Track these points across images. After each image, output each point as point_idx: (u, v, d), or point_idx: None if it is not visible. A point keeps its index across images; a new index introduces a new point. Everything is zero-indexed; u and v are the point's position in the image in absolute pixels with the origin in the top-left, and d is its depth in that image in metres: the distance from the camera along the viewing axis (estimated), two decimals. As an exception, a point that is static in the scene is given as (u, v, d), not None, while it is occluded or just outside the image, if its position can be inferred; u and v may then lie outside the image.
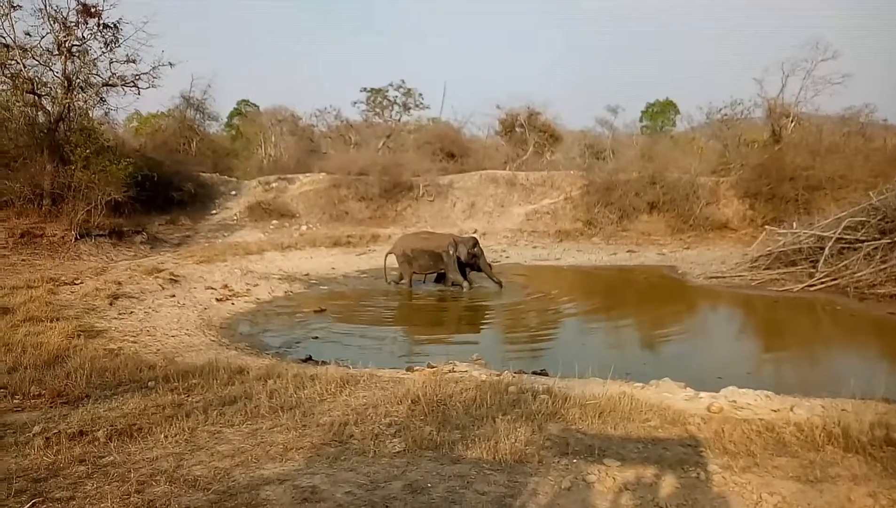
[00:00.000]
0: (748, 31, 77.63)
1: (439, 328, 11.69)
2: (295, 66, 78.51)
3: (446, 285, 14.44)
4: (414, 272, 14.72)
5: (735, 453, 4.03)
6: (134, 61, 17.53)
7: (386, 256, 15.11)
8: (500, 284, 14.27)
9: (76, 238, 15.05)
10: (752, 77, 34.73)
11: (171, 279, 13.22)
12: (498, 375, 6.35)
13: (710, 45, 78.42)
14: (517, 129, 33.25)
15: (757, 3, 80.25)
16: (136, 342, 8.66)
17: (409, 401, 4.99)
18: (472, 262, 14.21)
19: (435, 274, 14.83)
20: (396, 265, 14.85)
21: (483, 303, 13.25)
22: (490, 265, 14.74)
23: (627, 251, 20.38)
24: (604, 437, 4.32)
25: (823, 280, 12.99)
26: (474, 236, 14.98)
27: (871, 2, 71.66)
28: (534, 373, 6.97)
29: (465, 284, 14.18)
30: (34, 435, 4.24)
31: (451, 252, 14.04)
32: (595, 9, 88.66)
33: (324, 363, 7.53)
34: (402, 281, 14.82)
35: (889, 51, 60.21)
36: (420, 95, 35.57)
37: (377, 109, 36.14)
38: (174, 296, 12.18)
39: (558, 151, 34.58)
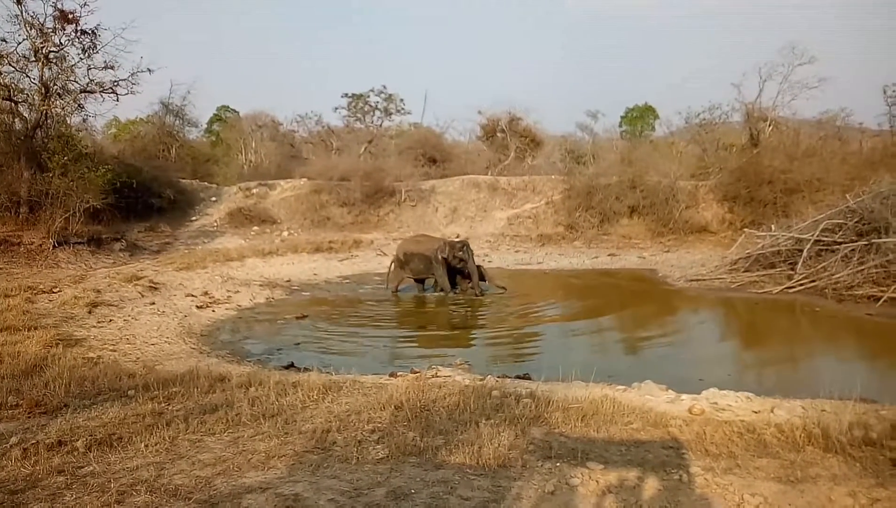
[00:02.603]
0: (726, 36, 78.42)
1: (423, 332, 11.66)
2: (275, 71, 78.38)
3: (443, 291, 14.25)
4: (408, 277, 14.62)
5: (717, 454, 4.06)
6: (112, 67, 17.38)
7: (391, 262, 15.06)
8: (503, 288, 14.23)
9: (54, 246, 14.88)
10: (730, 82, 35.06)
11: (150, 287, 13.10)
12: (481, 379, 6.35)
13: (688, 51, 79.19)
14: (498, 134, 33.39)
15: (734, 10, 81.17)
16: (115, 351, 8.57)
17: (393, 407, 4.99)
18: (460, 266, 14.09)
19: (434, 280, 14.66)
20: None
21: (467, 307, 13.23)
22: (480, 269, 14.55)
23: (608, 255, 20.45)
24: (587, 440, 4.34)
25: (802, 282, 13.11)
26: (464, 239, 14.87)
27: (847, 6, 72.88)
28: (517, 377, 6.97)
29: (454, 290, 14.13)
30: (11, 446, 4.19)
31: (438, 256, 13.96)
32: (575, 15, 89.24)
33: (306, 369, 7.48)
34: (396, 286, 14.67)
35: (864, 55, 61.20)
36: (401, 100, 35.67)
37: (358, 115, 36.16)
38: (154, 304, 12.06)
39: (539, 155, 34.70)
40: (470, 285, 14.14)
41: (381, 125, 35.95)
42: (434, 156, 32.18)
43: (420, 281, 14.82)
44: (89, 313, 10.68)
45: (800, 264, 13.48)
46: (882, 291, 11.60)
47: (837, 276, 12.61)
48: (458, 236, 15.17)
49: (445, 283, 14.09)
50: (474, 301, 13.56)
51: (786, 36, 73.78)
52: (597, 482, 3.68)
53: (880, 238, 12.58)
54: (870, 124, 29.40)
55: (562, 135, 37.95)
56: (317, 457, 4.05)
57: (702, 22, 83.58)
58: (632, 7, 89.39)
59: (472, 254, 14.23)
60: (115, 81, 17.63)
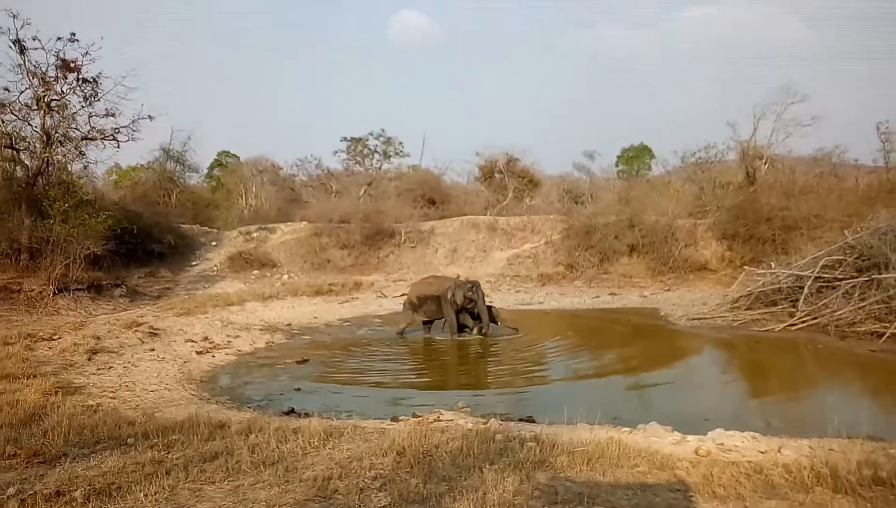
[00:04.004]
0: (721, 76, 79.57)
1: (425, 376, 11.59)
2: (276, 116, 79.13)
3: (451, 332, 14.10)
4: (424, 320, 14.52)
5: (724, 497, 4.00)
6: (113, 115, 17.58)
7: (403, 305, 15.00)
8: (515, 330, 14.20)
9: (54, 293, 14.87)
10: (725, 121, 35.47)
11: (150, 333, 13.05)
12: (484, 423, 6.28)
13: (683, 90, 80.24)
14: (496, 175, 33.65)
15: (728, 49, 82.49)
16: (115, 398, 8.51)
17: (395, 453, 4.92)
18: (469, 307, 14.04)
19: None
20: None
21: (469, 349, 13.18)
22: (492, 310, 14.49)
23: (609, 294, 20.44)
24: (593, 484, 4.28)
25: (804, 319, 13.08)
26: (475, 280, 14.84)
27: (839, 46, 74.09)
28: (521, 420, 6.91)
29: (467, 331, 14.07)
30: (8, 497, 4.13)
31: (448, 297, 13.90)
32: (572, 56, 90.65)
33: (307, 414, 7.41)
34: (404, 328, 14.55)
35: (856, 92, 61.99)
36: (400, 143, 36.07)
37: (358, 158, 36.50)
38: (154, 350, 12.00)
39: (537, 196, 34.99)
40: (480, 325, 14.09)
41: (380, 168, 36.30)
42: (433, 197, 32.39)
43: (428, 323, 14.68)
44: (89, 360, 10.63)
45: (801, 301, 13.46)
46: (885, 327, 11.59)
47: (839, 312, 12.60)
48: (458, 277, 15.13)
49: (454, 324, 14.02)
50: (480, 343, 13.50)
51: (780, 78, 75.00)
52: (603, 526, 3.62)
53: (880, 274, 12.59)
54: (865, 161, 29.68)
55: (559, 175, 38.47)
56: (318, 506, 3.99)
57: (697, 65, 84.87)
58: (628, 49, 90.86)
59: (483, 295, 14.24)
60: (116, 129, 17.83)
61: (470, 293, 13.88)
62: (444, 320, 14.30)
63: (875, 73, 68.60)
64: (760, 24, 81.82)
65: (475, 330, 14.09)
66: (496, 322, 14.34)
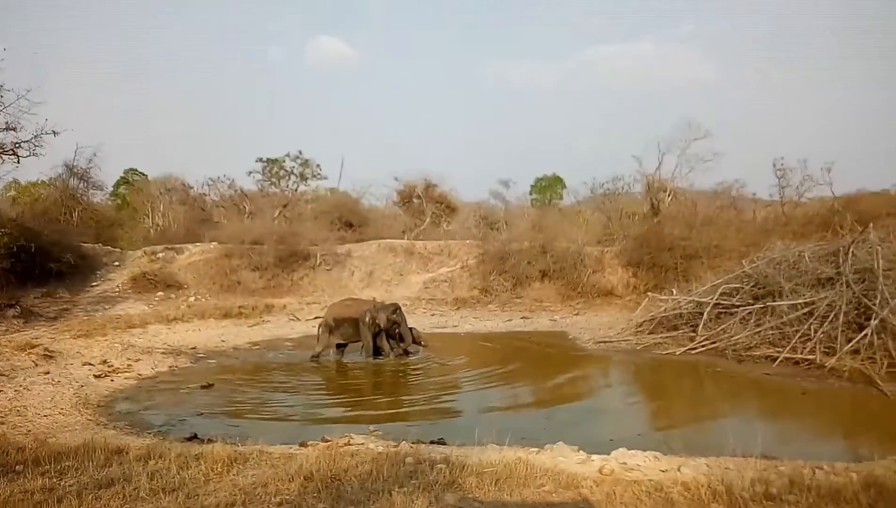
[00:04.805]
0: (631, 112, 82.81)
1: (336, 400, 11.41)
2: (187, 135, 76.81)
3: (367, 355, 14.02)
4: (338, 343, 14.28)
5: (626, 514, 4.11)
6: (14, 129, 16.68)
7: (318, 327, 14.70)
8: (424, 345, 14.39)
9: (-60, 312, 13.94)
10: (632, 154, 36.95)
11: (45, 355, 12.39)
12: (395, 446, 6.25)
13: (595, 124, 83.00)
14: (415, 200, 33.85)
15: (635, 88, 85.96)
16: (3, 423, 8.06)
17: (302, 478, 4.83)
18: (392, 329, 14.00)
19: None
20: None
21: (383, 372, 13.12)
22: (414, 331, 14.55)
23: (522, 317, 20.81)
24: (500, 504, 4.33)
25: (704, 343, 13.65)
26: (395, 303, 14.81)
27: (741, 87, 78.57)
28: (432, 442, 6.90)
29: (388, 352, 14.00)
30: None
31: (366, 320, 13.77)
32: (491, 86, 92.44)
33: (210, 440, 7.16)
34: (319, 352, 14.23)
35: (755, 130, 65.74)
36: (318, 165, 35.51)
37: (273, 179, 35.75)
38: (48, 373, 11.40)
39: (454, 221, 35.38)
40: (403, 345, 14.17)
41: (296, 190, 35.70)
42: (350, 220, 32.28)
43: (341, 346, 14.47)
44: (-24, 383, 10.00)
45: (701, 326, 14.07)
46: (778, 351, 12.21)
47: (736, 337, 13.22)
48: (374, 299, 15.06)
49: (370, 347, 13.92)
50: (393, 365, 13.47)
51: (684, 112, 78.70)
52: (509, 546, 3.66)
53: (774, 301, 13.31)
54: (762, 195, 31.54)
55: (476, 201, 38.96)
56: (220, 532, 3.87)
57: (606, 99, 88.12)
58: (540, 82, 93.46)
59: (405, 317, 14.30)
60: (17, 143, 16.91)
61: (394, 316, 13.95)
62: (359, 343, 14.17)
63: (774, 111, 73.25)
64: (665, 60, 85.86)
65: (394, 352, 14.08)
66: (420, 343, 14.38)
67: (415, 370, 13.26)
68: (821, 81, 78.06)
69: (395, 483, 4.73)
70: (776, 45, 79.67)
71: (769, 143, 70.32)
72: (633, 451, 5.68)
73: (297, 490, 4.63)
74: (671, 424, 9.17)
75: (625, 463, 5.33)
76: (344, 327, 14.15)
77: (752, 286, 14.32)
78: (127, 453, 5.73)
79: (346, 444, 6.49)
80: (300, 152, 35.15)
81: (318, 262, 25.62)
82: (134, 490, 4.62)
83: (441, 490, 4.61)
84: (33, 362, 11.91)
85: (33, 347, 12.73)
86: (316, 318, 16.66)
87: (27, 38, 62.85)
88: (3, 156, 16.95)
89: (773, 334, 12.85)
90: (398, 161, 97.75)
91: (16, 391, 10.03)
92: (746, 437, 6.09)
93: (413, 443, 6.65)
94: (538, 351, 15.50)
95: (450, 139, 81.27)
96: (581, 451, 5.85)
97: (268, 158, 35.38)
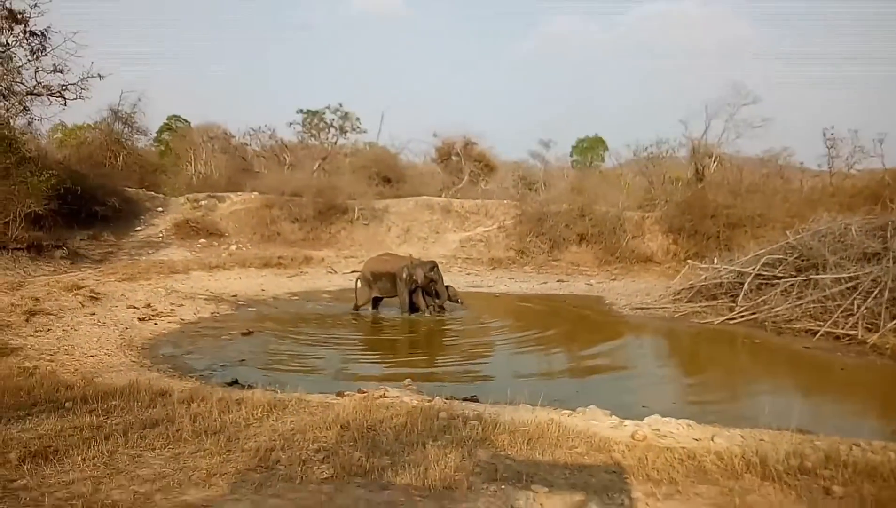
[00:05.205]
0: (676, 74, 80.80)
1: (372, 353, 11.59)
2: (230, 84, 77.16)
3: (403, 310, 14.10)
4: (374, 297, 14.47)
5: (658, 480, 4.12)
6: (61, 71, 16.97)
7: (356, 280, 14.84)
8: (461, 303, 14.37)
9: (-9, 251, 14.37)
10: (678, 118, 36.13)
11: (91, 297, 12.74)
12: (429, 401, 6.34)
13: (639, 86, 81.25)
14: (453, 157, 33.68)
15: (684, 49, 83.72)
16: (52, 361, 8.32)
17: (339, 427, 4.93)
18: (430, 286, 14.08)
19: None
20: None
21: (418, 329, 13.24)
22: (450, 290, 14.59)
23: (557, 281, 20.74)
24: (532, 463, 4.36)
25: (743, 314, 13.47)
26: (432, 260, 14.87)
27: (790, 53, 75.95)
28: (465, 399, 6.99)
29: (424, 309, 14.08)
30: (-62, 457, 4.01)
31: (403, 275, 13.86)
32: (533, 46, 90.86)
33: (250, 387, 7.34)
34: (360, 305, 14.46)
35: (805, 98, 63.76)
36: (357, 119, 35.42)
37: (313, 131, 35.76)
38: (94, 314, 11.74)
39: (493, 180, 35.12)
40: (439, 302, 14.22)
41: (335, 143, 35.68)
42: (388, 176, 32.21)
43: (377, 300, 14.65)
44: (26, 321, 10.35)
45: (741, 296, 13.87)
46: (819, 325, 12.00)
47: (777, 309, 13.00)
48: (410, 256, 15.13)
49: (406, 303, 14.02)
50: (429, 322, 13.57)
51: (729, 75, 76.65)
52: (541, 504, 3.71)
53: (818, 274, 13.03)
54: (810, 165, 30.67)
55: (515, 161, 38.51)
56: (259, 476, 3.97)
57: (653, 60, 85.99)
58: (586, 41, 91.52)
59: (441, 275, 14.35)
60: (64, 85, 17.22)
61: (431, 273, 13.97)
62: (395, 298, 14.30)
63: (828, 78, 70.78)
64: (714, 22, 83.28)
65: (430, 309, 14.17)
66: (457, 301, 14.43)
67: (449, 328, 13.35)
68: (877, 50, 74.89)
69: (429, 437, 4.80)
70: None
71: (820, 111, 68.07)
72: (666, 418, 5.68)
73: (334, 438, 4.72)
74: (706, 393, 9.13)
75: (657, 430, 5.33)
76: (382, 281, 14.26)
77: (796, 258, 14.02)
78: (170, 395, 5.91)
79: (381, 396, 6.59)
80: (340, 105, 35.05)
81: (355, 216, 25.76)
82: (177, 431, 4.76)
83: (473, 445, 4.66)
84: (80, 303, 12.26)
85: (80, 288, 13.08)
86: (353, 272, 16.78)
87: (76, -19, 63.17)
88: (50, 98, 17.26)
89: (814, 307, 12.61)
90: (438, 118, 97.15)
91: (64, 330, 10.36)
92: (782, 410, 6.06)
93: (447, 399, 6.74)
94: (574, 313, 15.47)
95: (491, 95, 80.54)
96: (613, 416, 5.87)
97: (308, 110, 35.35)
